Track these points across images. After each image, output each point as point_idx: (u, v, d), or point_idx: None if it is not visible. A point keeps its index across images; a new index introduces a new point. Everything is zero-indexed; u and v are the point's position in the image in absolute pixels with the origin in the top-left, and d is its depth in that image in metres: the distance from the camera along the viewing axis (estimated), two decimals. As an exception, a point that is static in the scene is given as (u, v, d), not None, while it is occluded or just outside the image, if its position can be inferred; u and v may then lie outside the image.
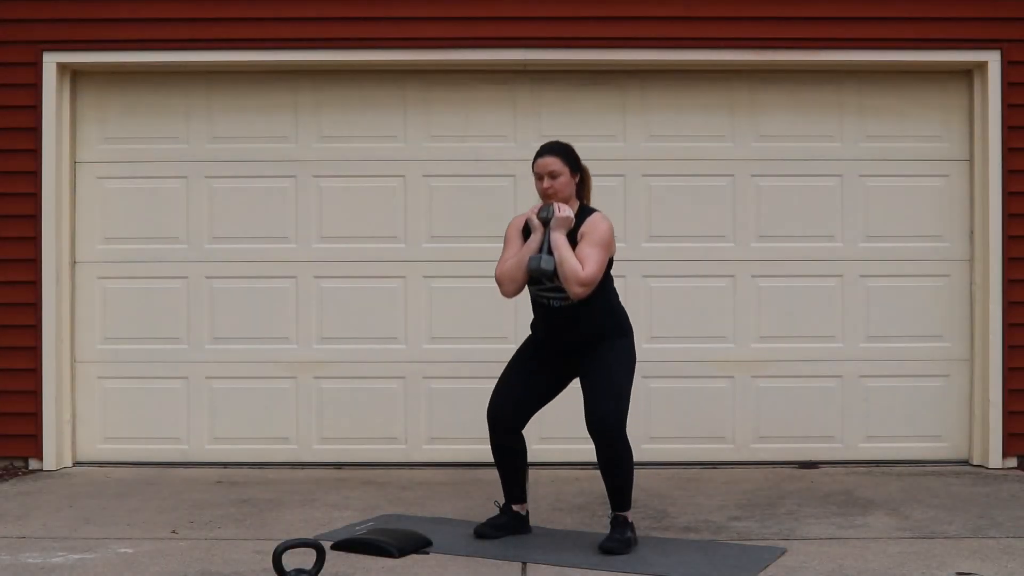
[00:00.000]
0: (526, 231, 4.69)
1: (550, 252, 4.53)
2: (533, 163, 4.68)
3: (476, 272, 6.42)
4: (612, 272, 4.69)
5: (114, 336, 6.53)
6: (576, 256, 4.49)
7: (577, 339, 4.63)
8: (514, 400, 4.71)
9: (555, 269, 4.49)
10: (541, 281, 4.60)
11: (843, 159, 6.55)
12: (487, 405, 4.77)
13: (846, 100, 6.55)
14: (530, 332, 4.83)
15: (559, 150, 4.66)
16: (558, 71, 6.52)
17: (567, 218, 4.55)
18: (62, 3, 6.35)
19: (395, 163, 6.54)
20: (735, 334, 6.54)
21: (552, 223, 4.55)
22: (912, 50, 6.36)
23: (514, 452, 4.78)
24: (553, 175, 4.61)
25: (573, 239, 4.57)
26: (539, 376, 4.73)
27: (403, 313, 6.54)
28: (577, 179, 4.69)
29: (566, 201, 4.64)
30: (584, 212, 4.66)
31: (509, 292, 4.68)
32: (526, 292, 4.73)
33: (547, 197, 4.63)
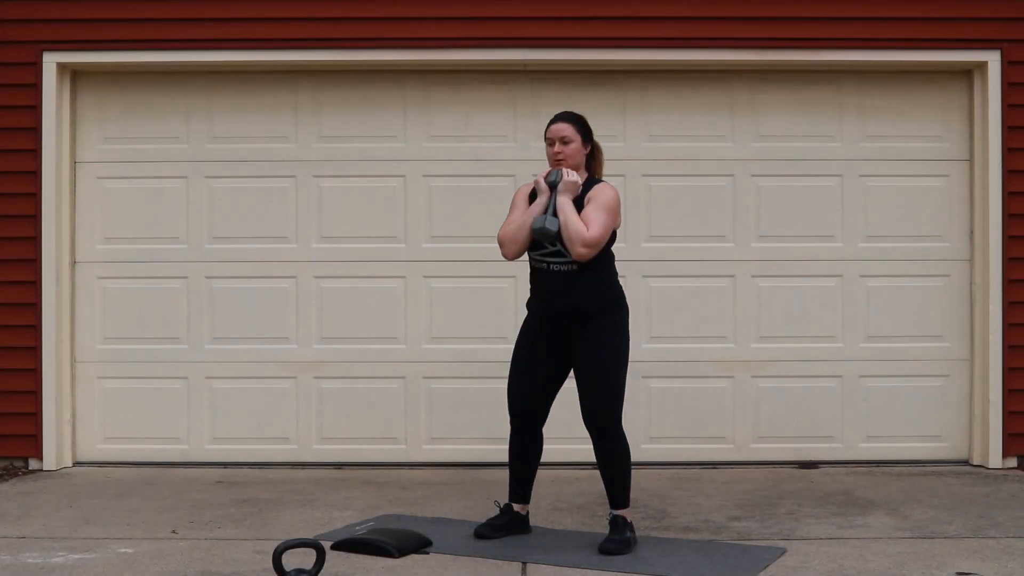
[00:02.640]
0: (533, 198, 4.71)
1: (555, 215, 4.55)
2: (546, 129, 4.73)
3: (476, 272, 6.42)
4: (614, 250, 4.70)
5: (114, 336, 6.53)
6: (582, 218, 4.52)
7: (573, 308, 4.60)
8: (531, 392, 4.71)
9: (559, 231, 4.51)
10: (543, 246, 4.61)
11: (843, 159, 6.55)
12: (507, 401, 4.75)
13: (846, 100, 6.55)
14: (526, 312, 4.82)
15: (572, 118, 4.72)
16: (558, 71, 6.52)
17: (575, 182, 4.59)
18: (62, 3, 6.35)
19: (395, 163, 6.54)
20: (735, 334, 6.54)
21: (559, 187, 4.58)
22: (912, 50, 6.36)
23: (532, 449, 4.78)
24: (565, 141, 4.65)
25: (579, 205, 4.58)
26: (547, 360, 4.71)
27: (403, 313, 6.54)
28: (588, 150, 4.74)
29: (575, 169, 4.67)
30: (592, 182, 4.69)
31: (510, 253, 4.69)
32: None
33: (556, 163, 4.66)
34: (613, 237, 4.67)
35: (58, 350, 6.35)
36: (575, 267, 4.57)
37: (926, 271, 6.54)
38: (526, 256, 4.74)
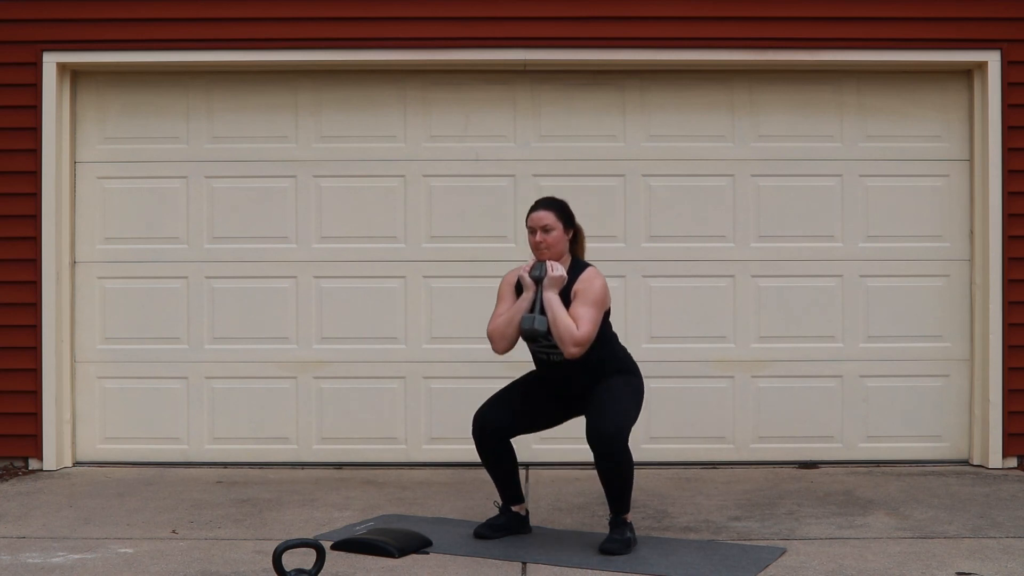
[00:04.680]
0: (519, 287, 4.67)
1: (543, 312, 4.51)
2: (527, 217, 4.68)
3: (476, 272, 6.42)
4: (610, 320, 4.70)
5: (114, 336, 6.53)
6: (570, 315, 4.48)
7: (580, 389, 4.64)
8: (505, 414, 4.69)
9: (548, 329, 4.48)
10: (536, 339, 4.59)
11: (843, 159, 6.55)
12: (485, 412, 4.73)
13: (846, 100, 6.55)
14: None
15: (553, 205, 4.66)
16: (558, 71, 6.52)
17: (560, 277, 4.53)
18: (62, 3, 6.35)
19: (395, 163, 6.54)
20: (735, 334, 6.54)
21: (545, 282, 4.53)
22: (912, 50, 6.36)
23: (499, 457, 4.73)
24: (546, 229, 4.60)
25: (566, 297, 4.55)
26: (540, 405, 4.73)
27: (403, 313, 6.54)
28: (570, 235, 4.69)
29: (558, 256, 4.62)
30: (577, 267, 4.65)
31: (500, 349, 4.66)
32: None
33: (539, 251, 4.61)
34: (607, 315, 4.63)
35: (58, 350, 6.35)
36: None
37: (926, 271, 6.54)
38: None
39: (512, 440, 4.74)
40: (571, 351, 4.46)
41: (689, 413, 6.52)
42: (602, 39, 6.33)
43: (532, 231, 4.63)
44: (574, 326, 4.45)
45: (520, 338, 4.61)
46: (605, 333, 4.62)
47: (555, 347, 4.56)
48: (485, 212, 6.45)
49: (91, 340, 6.53)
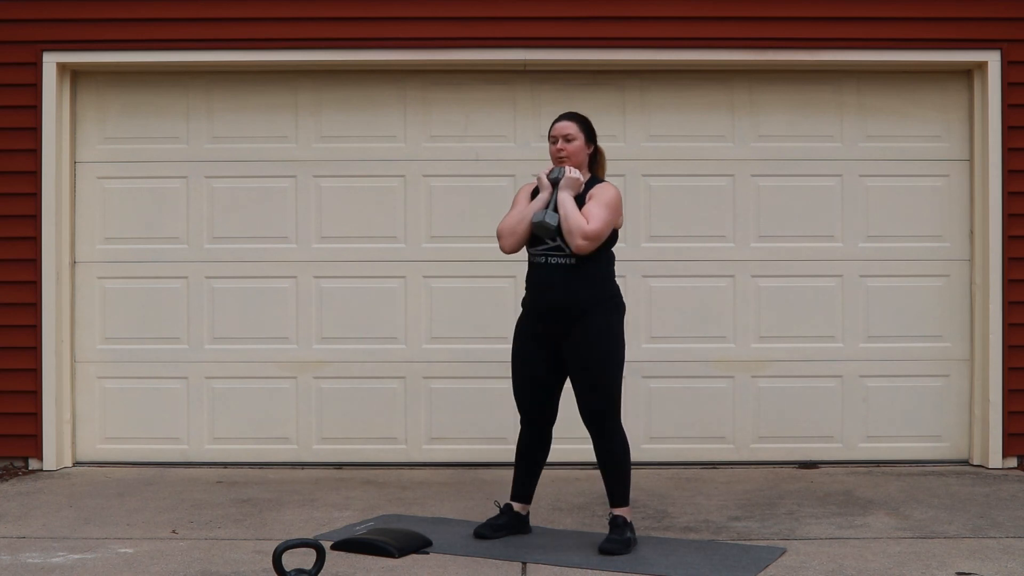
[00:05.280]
0: (535, 197, 4.71)
1: (556, 210, 4.56)
2: (550, 128, 4.74)
3: (476, 272, 6.42)
4: (615, 251, 4.70)
5: (114, 336, 6.53)
6: (583, 213, 4.54)
7: (566, 301, 4.59)
8: (532, 385, 4.69)
9: (559, 225, 4.53)
10: (543, 241, 4.62)
11: (843, 159, 6.55)
12: (515, 402, 4.74)
13: (846, 100, 6.55)
14: (521, 310, 4.80)
15: (577, 117, 4.75)
16: (558, 71, 6.52)
17: (576, 179, 4.61)
18: (62, 3, 6.35)
19: (395, 163, 6.54)
20: (735, 334, 6.54)
21: (561, 183, 4.60)
22: (912, 50, 6.36)
23: (538, 449, 4.78)
24: (568, 138, 4.68)
25: (581, 203, 4.60)
26: (542, 354, 4.70)
27: (403, 313, 6.54)
28: (591, 150, 4.76)
29: (577, 168, 4.69)
30: (594, 181, 4.71)
31: (508, 246, 4.69)
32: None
33: (559, 160, 4.68)
34: (614, 238, 4.67)
35: (58, 350, 6.35)
36: (573, 261, 4.57)
37: (926, 271, 6.54)
38: (525, 254, 4.74)
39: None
40: (579, 243, 4.49)
41: (689, 413, 6.52)
42: (602, 39, 6.33)
43: (554, 140, 4.71)
44: (584, 221, 4.51)
45: (528, 238, 4.63)
46: (606, 253, 4.66)
47: (559, 250, 4.57)
48: (485, 212, 6.45)
49: (91, 340, 6.53)
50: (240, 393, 6.54)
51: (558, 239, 4.57)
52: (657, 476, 6.18)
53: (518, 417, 4.81)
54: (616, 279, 4.73)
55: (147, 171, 6.54)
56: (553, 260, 4.61)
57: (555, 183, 4.62)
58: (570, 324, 4.59)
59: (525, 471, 4.81)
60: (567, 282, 4.59)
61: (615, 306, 4.66)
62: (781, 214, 6.53)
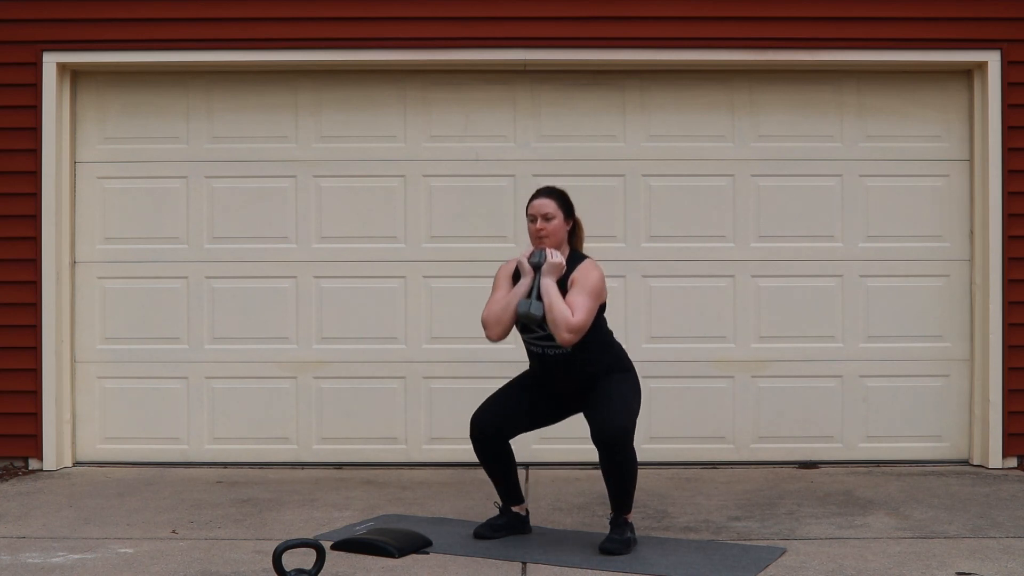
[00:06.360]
0: (516, 277, 4.66)
1: (539, 298, 4.50)
2: (528, 205, 4.67)
3: (476, 272, 6.41)
4: (606, 316, 4.69)
5: (114, 336, 6.53)
6: (566, 303, 4.47)
7: (575, 386, 4.62)
8: (503, 415, 4.67)
9: (544, 315, 4.47)
10: (532, 329, 4.57)
11: (843, 159, 6.55)
12: (476, 413, 4.71)
13: (846, 100, 6.55)
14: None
15: (554, 194, 4.66)
16: (558, 71, 6.52)
17: (559, 264, 4.53)
18: (62, 3, 6.35)
19: (395, 163, 6.55)
20: (735, 334, 6.54)
21: (543, 268, 4.53)
22: (912, 50, 6.36)
23: (498, 458, 4.72)
24: (547, 218, 4.59)
25: (563, 286, 4.54)
26: (537, 403, 4.72)
27: (403, 313, 6.54)
28: (570, 225, 4.68)
29: (557, 246, 4.61)
30: (576, 258, 4.64)
31: (494, 335, 4.63)
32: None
33: (539, 239, 4.60)
34: (602, 309, 4.62)
35: (58, 350, 6.35)
36: (568, 349, 4.55)
37: (926, 271, 6.54)
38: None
39: (512, 440, 4.73)
40: (564, 337, 4.44)
41: (689, 413, 6.52)
42: (602, 39, 6.33)
43: (532, 219, 4.63)
44: (569, 312, 4.44)
45: (514, 326, 4.60)
46: (600, 328, 4.62)
47: (550, 339, 4.54)
48: (485, 212, 6.45)
49: (91, 340, 6.53)
50: (240, 393, 6.54)
51: (545, 328, 4.52)
52: (657, 476, 6.18)
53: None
54: (614, 339, 4.71)
55: (147, 171, 6.54)
56: (550, 352, 4.59)
57: (537, 268, 4.54)
58: (583, 393, 4.62)
59: (502, 480, 4.75)
60: (568, 370, 4.60)
61: (625, 367, 4.66)
62: (781, 214, 6.54)
